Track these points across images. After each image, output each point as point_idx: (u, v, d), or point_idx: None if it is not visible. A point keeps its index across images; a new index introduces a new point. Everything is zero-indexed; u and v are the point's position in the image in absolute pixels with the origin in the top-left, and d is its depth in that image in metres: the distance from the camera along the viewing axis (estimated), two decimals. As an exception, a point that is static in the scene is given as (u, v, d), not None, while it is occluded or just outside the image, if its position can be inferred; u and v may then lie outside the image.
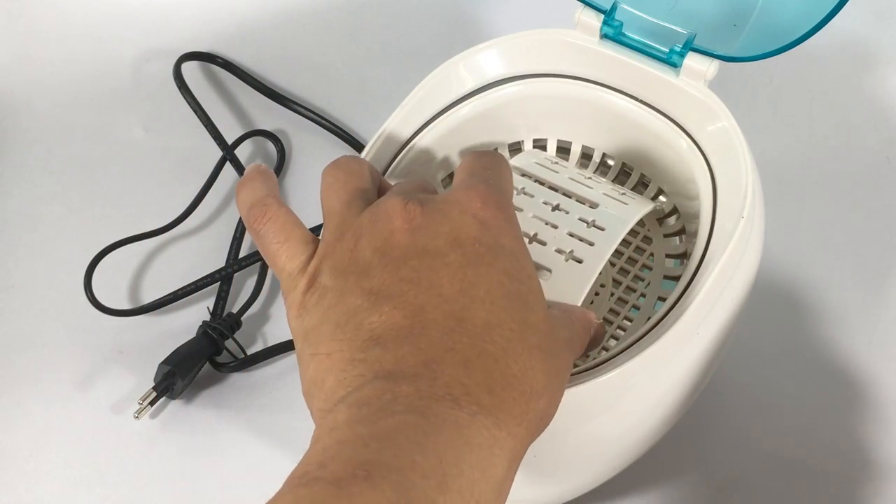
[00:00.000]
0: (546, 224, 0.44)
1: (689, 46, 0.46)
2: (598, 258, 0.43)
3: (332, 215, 0.33)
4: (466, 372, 0.27)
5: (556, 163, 0.49)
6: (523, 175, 0.46)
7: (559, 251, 0.43)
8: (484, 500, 0.25)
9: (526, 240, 0.44)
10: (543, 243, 0.43)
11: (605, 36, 0.47)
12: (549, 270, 0.43)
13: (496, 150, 0.34)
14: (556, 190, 0.46)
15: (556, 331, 0.31)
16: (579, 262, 0.43)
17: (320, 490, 0.23)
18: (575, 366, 0.40)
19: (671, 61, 0.46)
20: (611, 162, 0.52)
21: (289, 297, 0.32)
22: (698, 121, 0.46)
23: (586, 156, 0.52)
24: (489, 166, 0.34)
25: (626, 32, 0.47)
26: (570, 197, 0.45)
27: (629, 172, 0.51)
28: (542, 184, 0.46)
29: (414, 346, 0.27)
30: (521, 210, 0.45)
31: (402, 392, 0.26)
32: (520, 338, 0.29)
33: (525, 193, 0.45)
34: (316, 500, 0.23)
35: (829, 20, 0.42)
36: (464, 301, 0.28)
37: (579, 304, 0.42)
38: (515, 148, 0.52)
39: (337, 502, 0.22)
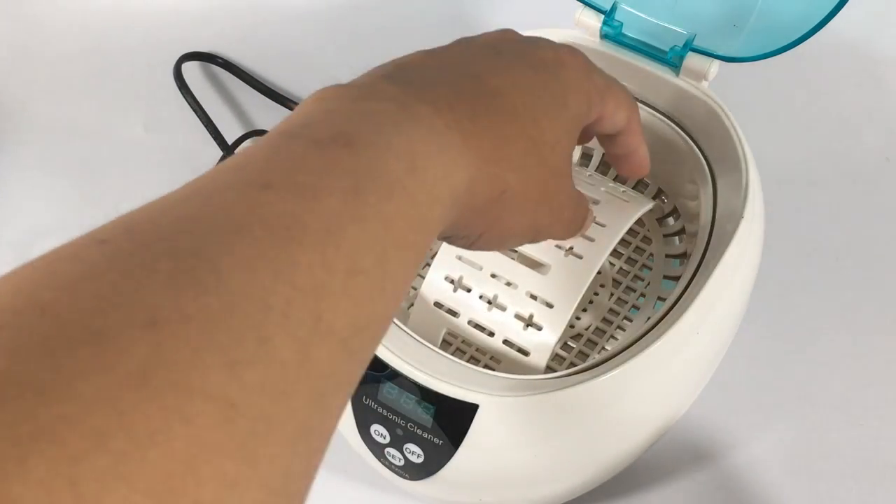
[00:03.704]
0: None
1: (689, 46, 0.46)
2: (597, 254, 0.43)
3: None
4: (457, 97, 0.29)
5: (557, 162, 0.49)
6: None
7: (559, 246, 0.43)
8: (440, 202, 0.26)
9: None
10: None
11: (605, 36, 0.47)
12: (549, 265, 0.43)
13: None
14: None
15: (561, 163, 0.32)
16: (579, 257, 0.43)
17: (301, 144, 0.24)
18: (573, 365, 0.40)
19: (671, 61, 0.46)
20: (611, 162, 0.52)
21: None
22: (698, 121, 0.46)
23: (586, 156, 0.52)
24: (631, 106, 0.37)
25: (626, 32, 0.47)
26: None
27: (629, 172, 0.51)
28: None
29: (433, 74, 0.30)
30: None
31: (389, 89, 0.28)
32: (533, 122, 0.30)
33: None
34: (296, 153, 0.24)
35: (829, 20, 0.42)
36: (498, 82, 0.30)
37: (578, 299, 0.42)
38: (515, 148, 0.52)
39: (315, 158, 0.23)
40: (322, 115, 0.26)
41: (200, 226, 0.20)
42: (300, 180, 0.22)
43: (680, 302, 0.40)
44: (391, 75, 0.29)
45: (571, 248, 0.43)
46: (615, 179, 0.51)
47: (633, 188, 0.50)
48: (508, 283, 0.43)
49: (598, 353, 0.46)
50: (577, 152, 0.52)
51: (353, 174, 0.23)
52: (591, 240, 0.43)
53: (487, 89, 0.30)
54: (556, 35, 0.49)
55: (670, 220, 0.50)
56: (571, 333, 0.47)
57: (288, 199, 0.22)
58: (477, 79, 0.30)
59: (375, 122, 0.26)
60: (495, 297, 0.43)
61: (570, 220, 0.35)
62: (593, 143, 0.51)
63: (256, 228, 0.21)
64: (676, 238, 0.49)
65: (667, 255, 0.49)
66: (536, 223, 0.32)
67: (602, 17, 0.47)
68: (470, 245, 0.32)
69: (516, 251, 0.44)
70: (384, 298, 0.23)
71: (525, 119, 0.30)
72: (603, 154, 0.51)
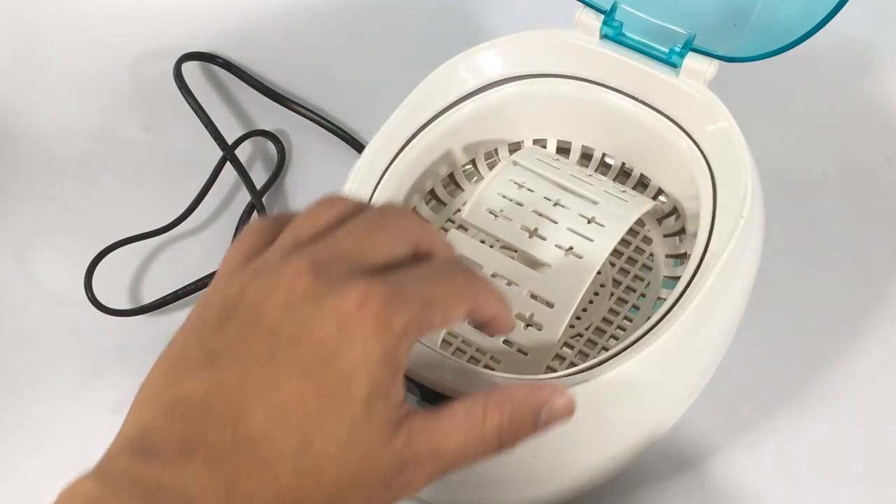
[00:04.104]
0: (546, 219, 0.44)
1: (689, 46, 0.46)
2: (597, 254, 0.43)
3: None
4: (213, 474, 0.27)
5: (557, 160, 0.49)
6: (525, 170, 0.46)
7: (559, 246, 0.43)
8: None
9: (526, 234, 0.44)
10: (543, 238, 0.43)
11: (604, 36, 0.48)
12: (549, 266, 0.43)
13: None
14: (556, 186, 0.46)
15: (359, 460, 0.28)
16: (579, 257, 0.43)
17: None
18: (574, 365, 0.40)
19: (671, 61, 0.46)
20: (611, 162, 0.52)
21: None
22: (698, 121, 0.46)
23: (586, 156, 0.52)
24: (437, 274, 0.31)
25: (625, 33, 0.47)
26: (570, 193, 0.45)
27: (629, 172, 0.51)
28: (542, 179, 0.46)
29: (186, 427, 0.28)
30: (521, 205, 0.45)
31: (137, 486, 0.26)
32: (298, 457, 0.27)
33: (526, 188, 0.45)
34: None
35: (829, 20, 0.42)
36: (259, 421, 0.27)
37: (578, 299, 0.42)
38: (515, 148, 0.52)
39: None
40: None
41: None
42: None
43: (680, 302, 0.40)
44: (139, 462, 0.27)
45: (571, 247, 0.43)
46: (615, 179, 0.51)
47: (632, 188, 0.50)
48: (509, 283, 0.43)
49: (598, 353, 0.46)
50: (577, 152, 0.52)
51: None
52: (591, 240, 0.43)
53: (248, 438, 0.27)
54: (557, 35, 0.49)
55: (670, 220, 0.50)
56: (571, 333, 0.47)
57: None
58: (236, 426, 0.27)
59: None
60: (495, 297, 0.43)
61: (406, 487, 0.30)
62: (592, 143, 0.51)
63: None
64: (676, 238, 0.49)
65: (667, 255, 0.49)
66: None
67: (602, 17, 0.47)
68: None
69: (517, 250, 0.44)
70: None
71: (294, 459, 0.27)
72: (603, 154, 0.51)
